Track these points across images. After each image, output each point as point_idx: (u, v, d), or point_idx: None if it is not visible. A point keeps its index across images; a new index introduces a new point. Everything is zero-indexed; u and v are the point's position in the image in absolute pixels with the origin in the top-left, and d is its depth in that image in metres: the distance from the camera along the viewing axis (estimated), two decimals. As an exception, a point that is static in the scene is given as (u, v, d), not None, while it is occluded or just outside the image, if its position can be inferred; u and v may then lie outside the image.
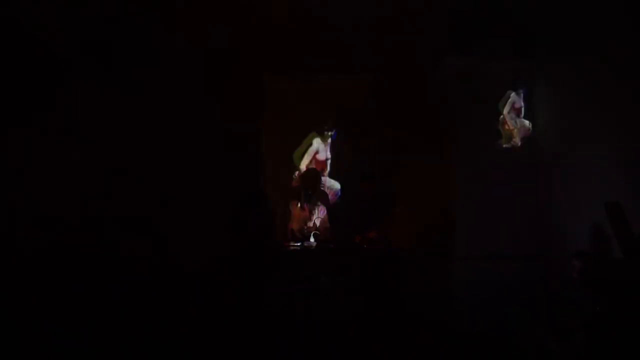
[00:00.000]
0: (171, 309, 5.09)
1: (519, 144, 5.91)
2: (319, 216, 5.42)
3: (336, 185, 6.11)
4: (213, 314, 5.15)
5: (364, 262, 5.16)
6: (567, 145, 5.33)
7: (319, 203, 5.50)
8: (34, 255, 4.92)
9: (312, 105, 6.16)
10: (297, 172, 6.09)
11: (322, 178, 6.00)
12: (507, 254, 5.59)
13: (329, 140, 6.18)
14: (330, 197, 5.87)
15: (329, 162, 6.19)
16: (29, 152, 5.16)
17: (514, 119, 5.92)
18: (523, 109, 5.95)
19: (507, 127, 5.92)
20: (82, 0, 5.30)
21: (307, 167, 6.10)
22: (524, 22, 5.75)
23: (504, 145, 5.90)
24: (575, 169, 5.17)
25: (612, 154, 4.62)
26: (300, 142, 6.18)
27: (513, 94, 5.93)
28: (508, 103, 5.93)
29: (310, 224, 5.38)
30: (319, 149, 6.17)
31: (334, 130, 6.16)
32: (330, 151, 6.19)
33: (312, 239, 5.23)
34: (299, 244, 5.25)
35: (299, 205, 5.47)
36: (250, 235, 5.15)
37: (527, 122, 5.93)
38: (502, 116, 5.91)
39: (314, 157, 6.17)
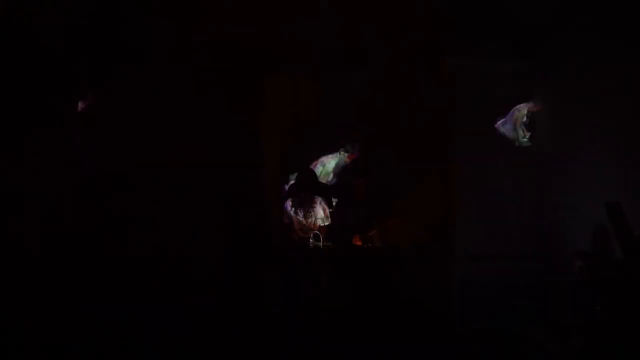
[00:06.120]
0: (171, 308, 5.10)
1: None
2: (319, 215, 5.39)
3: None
4: (213, 313, 5.16)
5: (363, 262, 5.17)
6: (568, 145, 5.32)
7: (317, 202, 5.43)
8: (35, 256, 4.93)
9: (312, 105, 6.16)
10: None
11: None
12: (507, 254, 5.59)
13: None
14: None
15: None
16: (31, 152, 5.17)
17: (514, 131, 5.82)
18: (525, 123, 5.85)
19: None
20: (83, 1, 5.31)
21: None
22: (524, 22, 5.74)
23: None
24: (575, 169, 5.16)
25: (612, 154, 4.62)
26: (299, 142, 6.18)
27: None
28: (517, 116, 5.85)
29: (310, 224, 5.35)
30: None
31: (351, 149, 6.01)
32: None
33: (312, 239, 5.22)
34: (299, 244, 5.25)
35: (292, 209, 5.36)
36: (245, 234, 5.15)
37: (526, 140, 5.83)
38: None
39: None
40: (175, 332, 4.67)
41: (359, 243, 5.41)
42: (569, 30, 5.25)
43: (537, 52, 5.81)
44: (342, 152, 5.98)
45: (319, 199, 5.37)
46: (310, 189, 5.34)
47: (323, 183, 5.78)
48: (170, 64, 5.77)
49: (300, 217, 5.31)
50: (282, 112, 6.16)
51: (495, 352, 4.64)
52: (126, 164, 5.63)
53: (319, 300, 5.04)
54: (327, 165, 5.95)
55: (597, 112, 4.82)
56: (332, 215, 5.48)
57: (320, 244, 5.17)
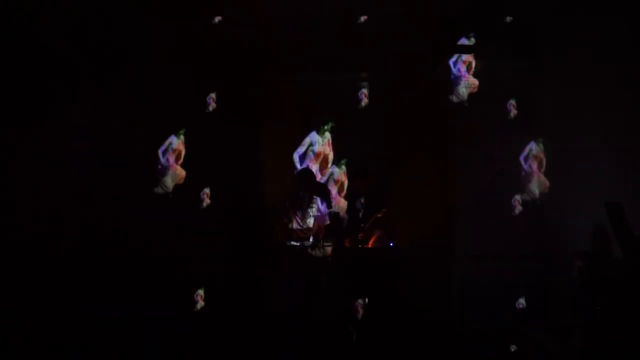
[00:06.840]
0: (171, 308, 5.10)
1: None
2: (317, 215, 5.38)
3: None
4: (213, 313, 5.16)
5: (363, 262, 5.16)
6: (568, 145, 5.32)
7: (315, 202, 5.42)
8: (34, 257, 4.93)
9: (312, 105, 6.16)
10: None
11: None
12: (507, 254, 5.59)
13: (327, 134, 6.13)
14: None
15: (329, 157, 6.15)
16: (33, 152, 5.18)
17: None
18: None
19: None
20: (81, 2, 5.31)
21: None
22: (524, 22, 5.74)
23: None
24: (575, 169, 5.17)
25: (612, 154, 4.62)
26: (300, 142, 6.18)
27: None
28: None
29: (310, 225, 5.33)
30: (315, 141, 6.13)
31: (330, 124, 6.10)
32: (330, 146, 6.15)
33: (311, 239, 5.22)
34: (298, 244, 5.24)
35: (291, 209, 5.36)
36: (245, 234, 5.15)
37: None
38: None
39: (309, 149, 6.13)
40: (175, 332, 4.68)
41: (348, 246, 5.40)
42: (569, 29, 5.25)
43: (537, 51, 5.81)
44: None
45: (318, 199, 5.37)
46: (309, 189, 5.33)
47: (322, 183, 5.78)
48: (170, 64, 5.77)
49: (299, 217, 5.30)
50: (282, 112, 6.16)
51: (495, 352, 4.63)
52: (126, 163, 5.63)
53: (319, 300, 5.03)
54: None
55: (598, 112, 4.82)
56: (331, 215, 5.48)
57: (319, 245, 5.17)
